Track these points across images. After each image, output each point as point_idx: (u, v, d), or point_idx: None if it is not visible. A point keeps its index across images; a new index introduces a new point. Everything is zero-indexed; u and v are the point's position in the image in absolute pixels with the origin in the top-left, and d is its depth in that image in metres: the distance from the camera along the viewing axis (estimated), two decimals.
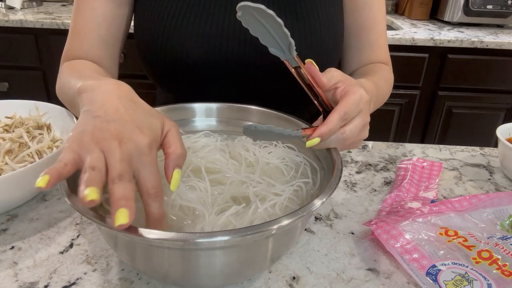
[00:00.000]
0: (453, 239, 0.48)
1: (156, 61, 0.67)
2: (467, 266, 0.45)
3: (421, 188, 0.63)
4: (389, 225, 0.50)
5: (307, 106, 0.77)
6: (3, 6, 1.94)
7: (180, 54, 0.64)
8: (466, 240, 0.48)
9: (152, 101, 0.75)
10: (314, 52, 0.65)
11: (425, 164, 0.69)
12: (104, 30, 0.66)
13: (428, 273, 0.44)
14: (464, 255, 0.46)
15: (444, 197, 0.63)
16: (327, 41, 0.67)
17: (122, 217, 0.32)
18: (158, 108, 0.57)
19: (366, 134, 0.51)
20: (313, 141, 0.45)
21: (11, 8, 1.94)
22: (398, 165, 0.70)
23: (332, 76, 0.47)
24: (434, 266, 0.45)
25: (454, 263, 0.45)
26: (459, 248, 0.47)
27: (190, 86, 0.70)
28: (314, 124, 0.49)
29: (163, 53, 0.65)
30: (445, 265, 0.45)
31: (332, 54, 0.70)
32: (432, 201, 0.58)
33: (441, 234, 0.49)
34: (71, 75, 0.58)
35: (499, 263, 0.45)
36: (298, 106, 0.75)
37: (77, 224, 0.54)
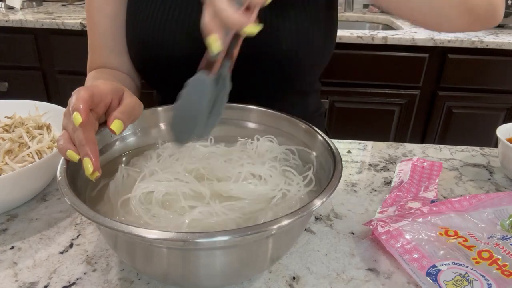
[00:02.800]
0: (453, 239, 0.48)
1: (145, 58, 0.69)
2: (467, 266, 0.44)
3: (421, 188, 0.63)
4: (389, 225, 0.50)
5: (304, 100, 0.78)
6: (3, 6, 1.94)
7: (166, 49, 0.65)
8: (466, 240, 0.48)
9: (151, 101, 0.75)
10: (303, 49, 0.65)
11: (425, 164, 0.69)
12: (111, 42, 0.70)
13: (428, 273, 0.44)
14: (464, 255, 0.46)
15: (444, 197, 0.63)
16: (316, 40, 0.66)
17: None
18: (158, 108, 0.57)
19: None
20: (251, 30, 0.38)
21: (11, 8, 1.94)
22: (398, 165, 0.70)
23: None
24: (434, 266, 0.45)
25: (454, 263, 0.45)
26: (459, 248, 0.47)
27: (179, 83, 0.71)
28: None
29: (150, 50, 0.66)
30: (445, 265, 0.45)
31: (323, 52, 0.70)
32: (432, 201, 0.58)
33: (441, 234, 0.49)
34: (88, 81, 0.65)
35: (499, 263, 0.45)
36: (294, 99, 0.75)
37: (77, 224, 0.54)
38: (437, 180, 0.65)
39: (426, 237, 0.49)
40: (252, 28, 0.38)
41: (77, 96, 0.41)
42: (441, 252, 0.47)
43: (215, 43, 0.38)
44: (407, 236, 0.48)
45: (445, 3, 0.51)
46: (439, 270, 0.44)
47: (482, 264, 0.45)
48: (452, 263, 0.45)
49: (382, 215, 0.56)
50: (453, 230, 0.50)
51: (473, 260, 0.45)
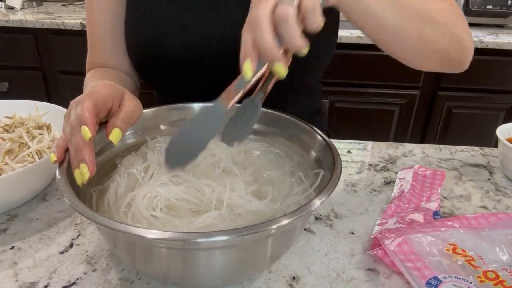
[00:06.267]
0: (460, 257, 0.46)
1: (144, 58, 0.69)
2: (471, 283, 0.42)
3: (422, 198, 0.60)
4: (395, 233, 0.48)
5: (305, 100, 0.77)
6: (3, 6, 1.94)
7: (166, 49, 0.65)
8: (473, 259, 0.46)
9: (151, 101, 0.75)
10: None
11: (427, 172, 0.66)
12: (110, 42, 0.71)
13: (428, 283, 0.42)
14: (469, 272, 0.44)
15: (444, 197, 0.62)
16: (318, 42, 0.66)
17: None
18: (158, 108, 0.57)
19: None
20: (280, 69, 0.38)
21: (11, 8, 1.94)
22: (399, 173, 0.68)
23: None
24: (435, 277, 0.43)
25: (458, 277, 0.43)
26: (465, 266, 0.45)
27: (179, 83, 0.71)
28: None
29: (150, 50, 0.66)
30: (447, 278, 0.43)
31: (324, 54, 0.70)
32: (435, 212, 0.56)
33: (447, 250, 0.47)
34: (87, 82, 0.65)
35: (505, 285, 0.42)
36: (295, 100, 0.75)
37: (77, 224, 0.54)
38: (440, 189, 0.62)
39: (432, 251, 0.46)
40: (282, 69, 0.39)
41: (83, 108, 0.41)
42: (445, 265, 0.45)
43: (249, 70, 0.39)
44: (413, 247, 0.46)
45: (416, 44, 0.55)
46: (440, 281, 0.42)
47: (487, 284, 0.42)
48: (455, 277, 0.43)
49: (381, 227, 0.54)
50: (461, 249, 0.47)
51: (478, 278, 0.43)
